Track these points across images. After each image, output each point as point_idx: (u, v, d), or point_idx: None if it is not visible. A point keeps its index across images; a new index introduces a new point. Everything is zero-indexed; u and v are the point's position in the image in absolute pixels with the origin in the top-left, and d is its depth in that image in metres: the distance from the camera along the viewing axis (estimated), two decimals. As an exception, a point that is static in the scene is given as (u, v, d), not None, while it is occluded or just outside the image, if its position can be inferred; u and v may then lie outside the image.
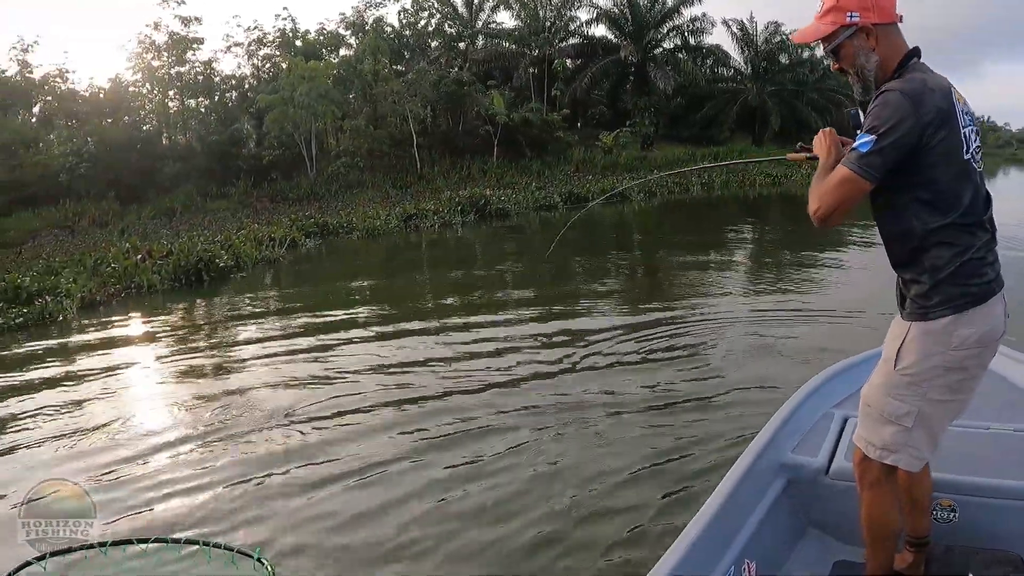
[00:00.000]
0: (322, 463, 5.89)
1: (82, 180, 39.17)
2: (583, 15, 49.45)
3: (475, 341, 9.63)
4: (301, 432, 6.58)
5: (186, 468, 6.04)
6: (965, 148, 2.42)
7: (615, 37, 48.88)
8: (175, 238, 23.73)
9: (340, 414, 6.99)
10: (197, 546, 2.98)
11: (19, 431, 7.36)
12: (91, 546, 2.76)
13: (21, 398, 8.69)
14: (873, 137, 2.34)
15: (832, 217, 2.47)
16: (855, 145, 2.42)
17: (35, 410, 8.10)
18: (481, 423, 6.46)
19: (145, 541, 3.03)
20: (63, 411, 7.98)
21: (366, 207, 32.04)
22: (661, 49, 49.25)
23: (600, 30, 49.80)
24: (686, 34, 49.22)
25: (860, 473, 2.69)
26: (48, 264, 19.64)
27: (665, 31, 48.87)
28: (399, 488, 5.30)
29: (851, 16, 2.47)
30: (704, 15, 48.51)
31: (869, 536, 2.71)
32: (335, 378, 8.34)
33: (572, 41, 50.15)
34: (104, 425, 7.27)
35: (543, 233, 24.33)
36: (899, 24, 2.51)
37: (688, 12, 47.98)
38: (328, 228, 26.45)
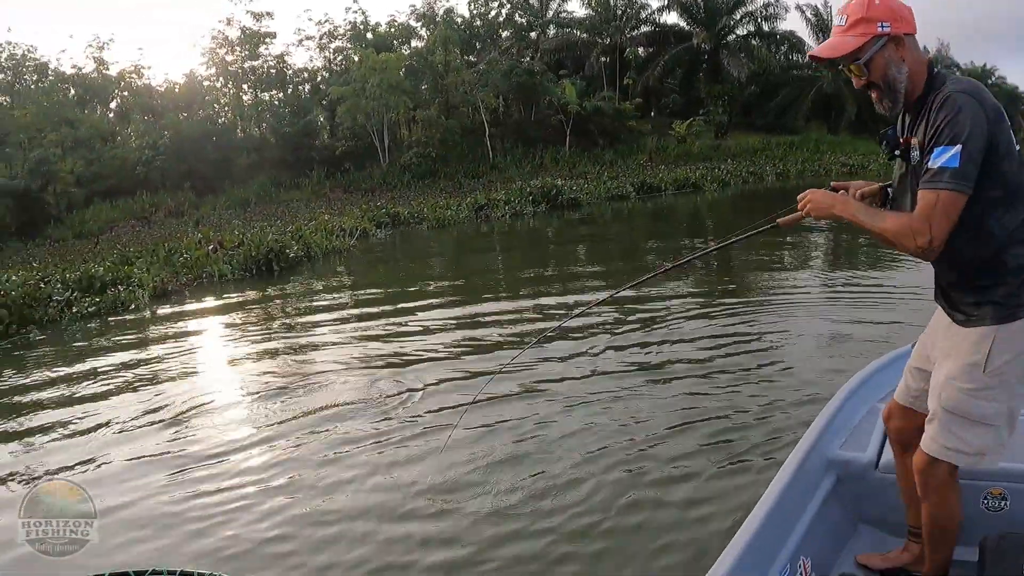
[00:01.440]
0: (396, 444, 5.63)
1: (158, 172, 39.99)
2: (654, 2, 48.69)
3: (541, 326, 9.12)
4: (359, 418, 6.25)
5: (256, 452, 5.94)
6: (1014, 140, 2.34)
7: (687, 24, 47.90)
8: (247, 228, 23.78)
9: (409, 402, 6.64)
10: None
11: (89, 414, 7.31)
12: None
13: (91, 382, 8.69)
14: (959, 147, 2.23)
15: (941, 246, 2.31)
16: (940, 164, 2.26)
17: (105, 393, 8.11)
18: (556, 409, 6.06)
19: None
20: (131, 394, 7.95)
21: (437, 197, 31.92)
22: (734, 36, 47.92)
23: (672, 17, 48.93)
24: (759, 20, 47.82)
25: (925, 480, 2.62)
26: (123, 254, 19.83)
27: (738, 17, 47.54)
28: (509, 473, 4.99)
29: (882, 26, 2.40)
30: (777, 0, 47.24)
31: (931, 538, 2.71)
32: (404, 366, 7.97)
33: (644, 29, 49.34)
34: (171, 411, 7.13)
35: (615, 223, 23.81)
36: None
37: None
38: (399, 218, 26.37)
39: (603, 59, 47.47)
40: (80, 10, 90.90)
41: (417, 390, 7.02)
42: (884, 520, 3.27)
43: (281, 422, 6.52)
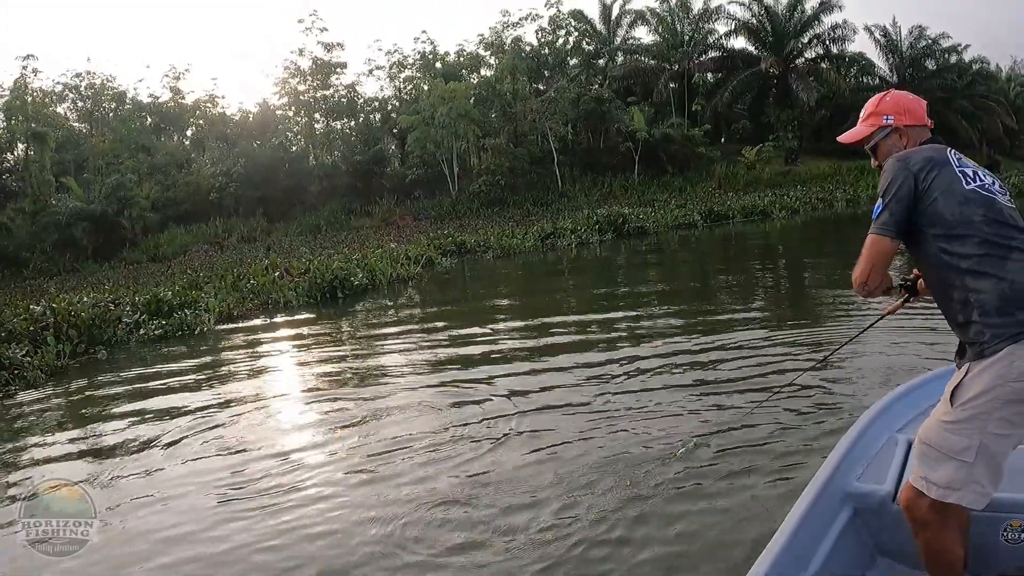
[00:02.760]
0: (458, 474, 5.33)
1: (231, 198, 40.88)
2: (721, 27, 48.06)
3: (608, 361, 8.86)
4: (411, 448, 6.08)
5: (313, 473, 5.91)
6: (964, 181, 2.64)
7: (755, 49, 47.21)
8: (315, 255, 23.99)
9: (464, 436, 6.42)
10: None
11: (149, 432, 7.45)
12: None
13: (152, 401, 8.90)
14: (880, 200, 2.69)
15: (870, 279, 2.75)
16: (873, 214, 2.72)
17: (167, 411, 8.26)
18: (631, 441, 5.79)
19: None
20: (193, 414, 8.06)
21: (505, 225, 31.88)
22: (803, 59, 47.01)
23: (739, 42, 48.22)
24: (827, 43, 46.77)
25: (910, 511, 2.72)
26: (193, 279, 20.11)
27: (806, 40, 46.54)
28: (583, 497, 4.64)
29: (886, 119, 2.92)
30: (845, 22, 45.79)
31: (932, 573, 2.77)
32: (463, 396, 7.77)
33: (711, 54, 48.75)
34: (229, 433, 7.19)
35: (683, 252, 23.43)
36: (928, 127, 2.92)
37: (828, 19, 45.50)
38: (465, 246, 26.33)
39: (671, 85, 47.07)
40: (157, 41, 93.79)
41: (456, 438, 6.71)
42: (902, 553, 3.18)
43: (347, 447, 6.48)
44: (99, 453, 7.19)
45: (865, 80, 50.36)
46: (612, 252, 24.48)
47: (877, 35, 49.30)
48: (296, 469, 5.99)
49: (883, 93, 3.03)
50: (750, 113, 49.19)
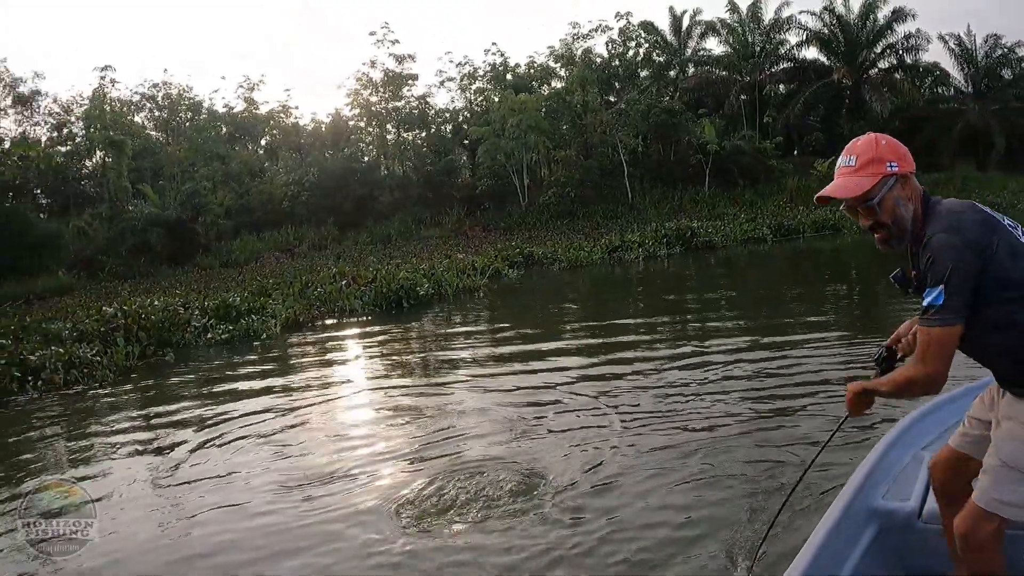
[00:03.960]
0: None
1: (303, 207, 41.49)
2: (792, 38, 46.96)
3: (677, 383, 8.60)
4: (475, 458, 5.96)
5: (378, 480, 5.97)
6: (1016, 235, 2.48)
7: (827, 59, 46.14)
8: (383, 264, 24.13)
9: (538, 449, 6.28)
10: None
11: (215, 432, 7.72)
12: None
13: (216, 403, 9.15)
14: (940, 287, 2.39)
15: (944, 375, 2.46)
16: (928, 302, 2.43)
17: (228, 412, 8.54)
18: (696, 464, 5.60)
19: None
20: (253, 415, 8.32)
21: (574, 237, 31.71)
22: (876, 70, 45.81)
23: (811, 52, 47.05)
24: (901, 52, 45.38)
25: (970, 534, 2.59)
26: (261, 285, 20.36)
27: (879, 50, 45.23)
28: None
29: (891, 166, 2.56)
30: (918, 31, 44.16)
31: None
32: (523, 408, 7.63)
33: (783, 65, 47.76)
34: (291, 435, 7.39)
35: (752, 268, 22.95)
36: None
37: (901, 29, 44.01)
38: (533, 258, 26.24)
39: (742, 97, 46.35)
40: (232, 54, 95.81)
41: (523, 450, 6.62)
42: (928, 572, 3.17)
43: (411, 451, 6.56)
44: (161, 450, 7.38)
45: (940, 91, 48.83)
46: (680, 266, 24.06)
47: (951, 44, 47.61)
48: (359, 473, 6.07)
49: (871, 136, 2.71)
50: (823, 125, 48.04)
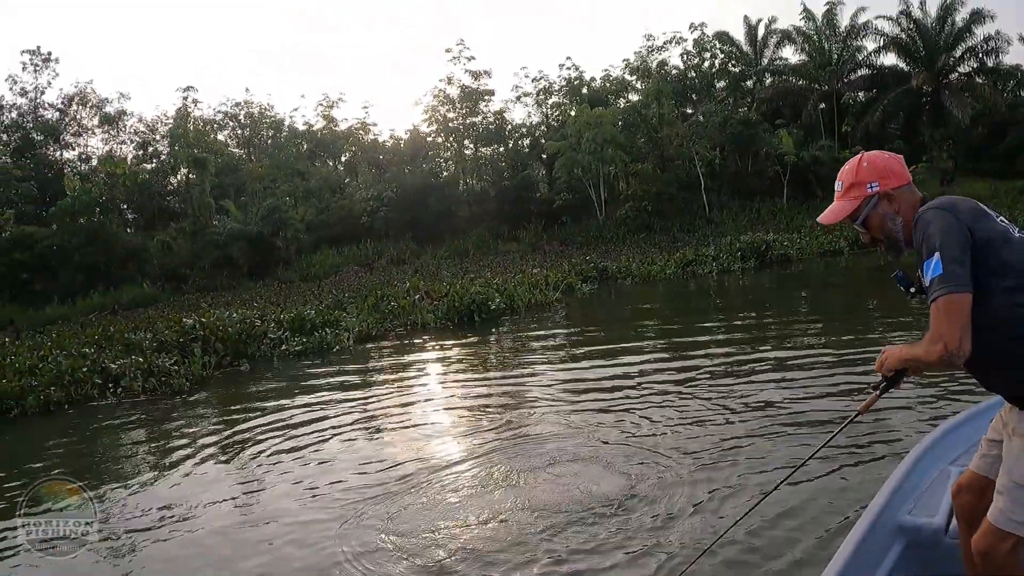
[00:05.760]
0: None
1: (382, 222, 42.08)
2: (870, 44, 45.48)
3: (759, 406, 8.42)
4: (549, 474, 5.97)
5: (455, 493, 6.02)
6: (1012, 230, 2.53)
7: (905, 65, 44.69)
8: (458, 279, 24.28)
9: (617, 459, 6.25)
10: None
11: (289, 441, 7.97)
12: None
13: (290, 413, 9.38)
14: (936, 255, 2.42)
15: (964, 343, 2.39)
16: (930, 276, 2.44)
17: (301, 423, 8.72)
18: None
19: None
20: (323, 422, 8.56)
21: (650, 251, 31.48)
22: (956, 74, 44.12)
23: (889, 59, 45.50)
24: (981, 56, 43.65)
25: (988, 554, 2.61)
26: (337, 299, 20.67)
27: (959, 54, 43.53)
28: None
29: (871, 187, 2.69)
30: (998, 33, 42.12)
31: None
32: (590, 422, 7.59)
33: (861, 72, 46.33)
34: (369, 444, 7.63)
35: (830, 284, 22.41)
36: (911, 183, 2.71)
37: (980, 31, 42.02)
38: (607, 273, 26.11)
39: (820, 106, 45.34)
40: (311, 72, 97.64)
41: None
42: None
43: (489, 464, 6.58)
44: (233, 456, 7.63)
45: (1023, 95, 47.03)
46: (754, 281, 23.66)
47: (1032, 45, 45.94)
48: (436, 480, 6.20)
49: (856, 158, 2.79)
50: (903, 132, 46.64)
